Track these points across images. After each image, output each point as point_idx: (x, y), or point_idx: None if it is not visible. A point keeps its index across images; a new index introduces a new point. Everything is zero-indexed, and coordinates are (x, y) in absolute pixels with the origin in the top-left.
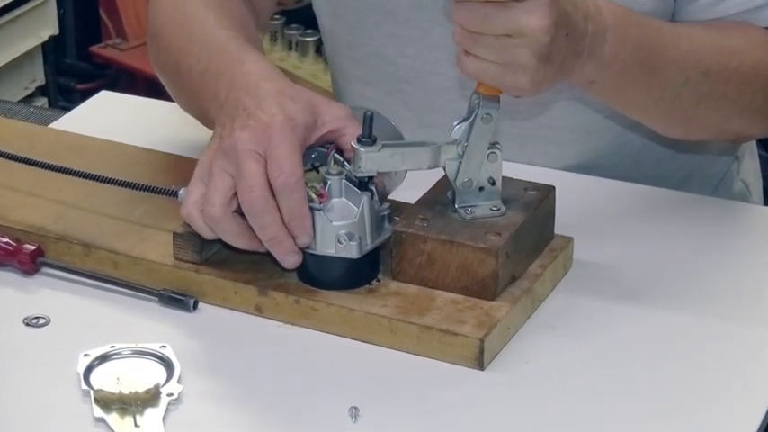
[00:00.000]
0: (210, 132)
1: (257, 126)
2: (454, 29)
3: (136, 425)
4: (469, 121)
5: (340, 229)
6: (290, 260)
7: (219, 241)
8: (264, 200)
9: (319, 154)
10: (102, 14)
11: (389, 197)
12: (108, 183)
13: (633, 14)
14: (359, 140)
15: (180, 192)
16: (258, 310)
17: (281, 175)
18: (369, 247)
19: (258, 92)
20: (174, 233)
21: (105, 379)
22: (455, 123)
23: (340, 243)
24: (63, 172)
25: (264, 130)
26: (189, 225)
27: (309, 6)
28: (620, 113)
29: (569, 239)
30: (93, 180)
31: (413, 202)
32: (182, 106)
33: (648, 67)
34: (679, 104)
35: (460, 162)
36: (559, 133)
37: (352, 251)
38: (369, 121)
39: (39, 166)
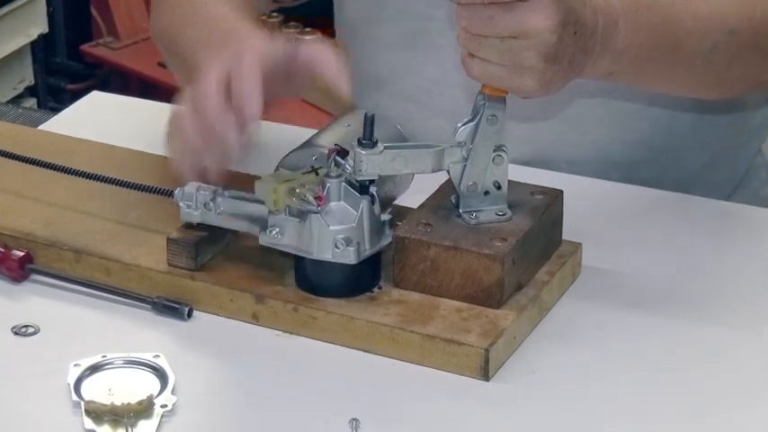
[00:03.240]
0: None
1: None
2: (458, 31)
3: None
4: (474, 122)
5: (337, 233)
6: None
7: (215, 246)
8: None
9: (320, 156)
10: (94, 12)
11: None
12: (101, 181)
13: None
14: (359, 143)
15: (176, 192)
16: (255, 319)
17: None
18: (367, 252)
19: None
20: (169, 238)
21: (96, 390)
22: (459, 125)
23: (337, 248)
24: (54, 169)
25: (240, 45)
26: (184, 231)
27: (308, 5)
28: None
29: (578, 245)
30: (86, 178)
31: (415, 206)
32: (175, 73)
33: (668, 45)
34: (711, 69)
35: (465, 165)
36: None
37: (349, 256)
38: (370, 122)
39: (28, 163)
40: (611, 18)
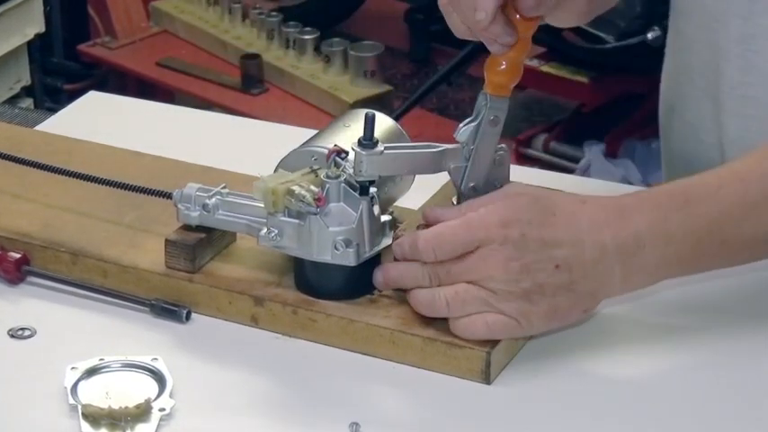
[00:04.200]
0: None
1: None
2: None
3: None
4: (476, 123)
5: (337, 235)
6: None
7: (211, 247)
8: None
9: (319, 157)
10: (91, 11)
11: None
12: (98, 182)
13: (675, 195)
14: (360, 143)
15: (174, 193)
16: (254, 321)
17: None
18: (367, 254)
19: None
20: (167, 240)
21: (94, 393)
22: (461, 125)
23: (336, 249)
24: (51, 170)
25: None
26: (182, 232)
27: (308, 3)
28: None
29: None
30: (83, 180)
31: (416, 207)
32: None
33: (717, 240)
34: None
35: (466, 166)
36: None
37: (349, 258)
38: (370, 122)
39: (25, 164)
40: (629, 236)
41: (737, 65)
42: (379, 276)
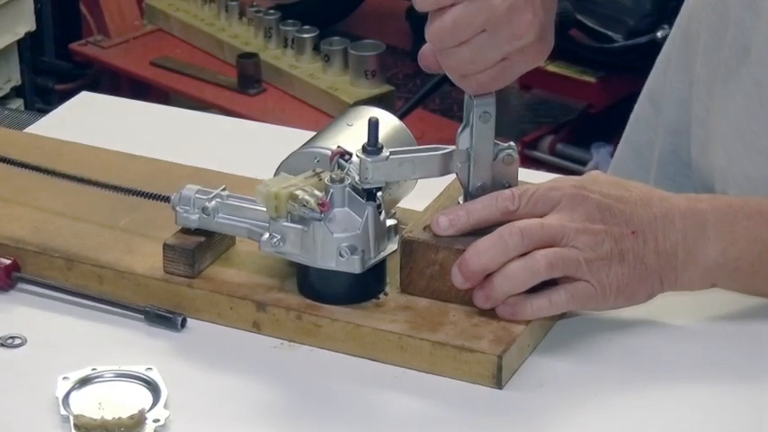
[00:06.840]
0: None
1: None
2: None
3: None
4: (469, 125)
5: (342, 241)
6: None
7: (210, 251)
8: None
9: (322, 158)
10: (83, 9)
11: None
12: (92, 185)
13: (750, 204)
14: (364, 149)
15: (172, 196)
16: (256, 327)
17: None
18: (372, 261)
19: None
20: (165, 244)
21: (86, 404)
22: (459, 131)
23: (341, 256)
24: (43, 172)
25: None
26: (181, 236)
27: (307, 1)
28: None
29: None
30: (77, 182)
31: (420, 208)
32: None
33: None
34: None
35: (470, 166)
36: None
37: (354, 265)
38: (374, 128)
39: (15, 165)
40: (696, 223)
41: None
42: (458, 276)
